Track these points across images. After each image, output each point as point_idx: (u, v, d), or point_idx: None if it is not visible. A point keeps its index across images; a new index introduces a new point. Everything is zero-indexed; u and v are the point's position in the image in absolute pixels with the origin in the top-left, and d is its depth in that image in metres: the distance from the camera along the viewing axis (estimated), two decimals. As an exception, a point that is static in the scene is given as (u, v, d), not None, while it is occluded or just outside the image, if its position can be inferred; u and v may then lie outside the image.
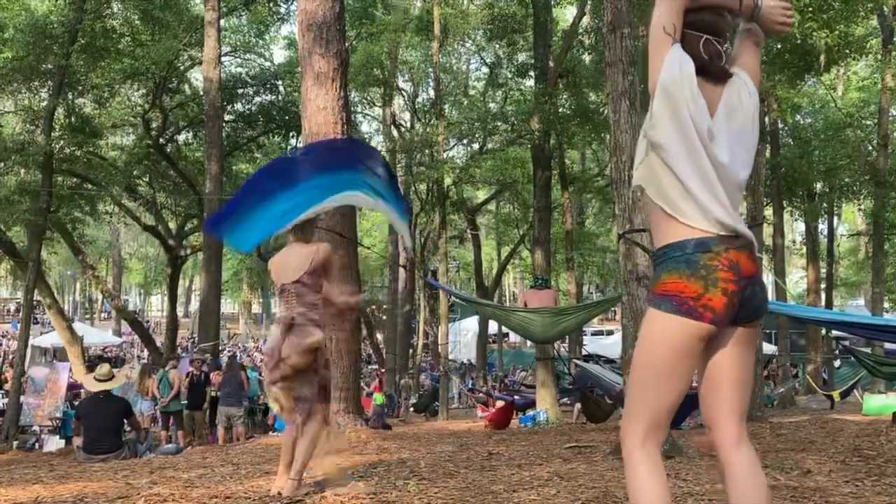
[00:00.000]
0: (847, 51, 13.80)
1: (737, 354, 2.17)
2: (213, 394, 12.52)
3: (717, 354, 2.17)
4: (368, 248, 25.60)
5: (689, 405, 11.24)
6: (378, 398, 14.97)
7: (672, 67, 2.13)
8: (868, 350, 15.85)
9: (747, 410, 2.23)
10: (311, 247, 4.45)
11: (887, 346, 16.42)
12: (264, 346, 4.37)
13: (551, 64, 15.91)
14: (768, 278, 25.11)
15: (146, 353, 24.83)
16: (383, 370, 23.24)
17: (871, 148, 19.72)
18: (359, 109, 26.21)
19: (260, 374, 14.41)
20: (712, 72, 2.18)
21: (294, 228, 4.50)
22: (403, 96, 26.95)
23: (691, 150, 2.12)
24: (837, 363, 22.74)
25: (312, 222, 4.66)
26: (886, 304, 23.08)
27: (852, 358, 15.87)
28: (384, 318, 28.45)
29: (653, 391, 2.15)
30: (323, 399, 4.45)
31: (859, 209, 28.86)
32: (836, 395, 17.72)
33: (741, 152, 2.18)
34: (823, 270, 24.26)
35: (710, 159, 2.13)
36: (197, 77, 23.07)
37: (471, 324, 33.99)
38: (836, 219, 27.61)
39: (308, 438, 4.32)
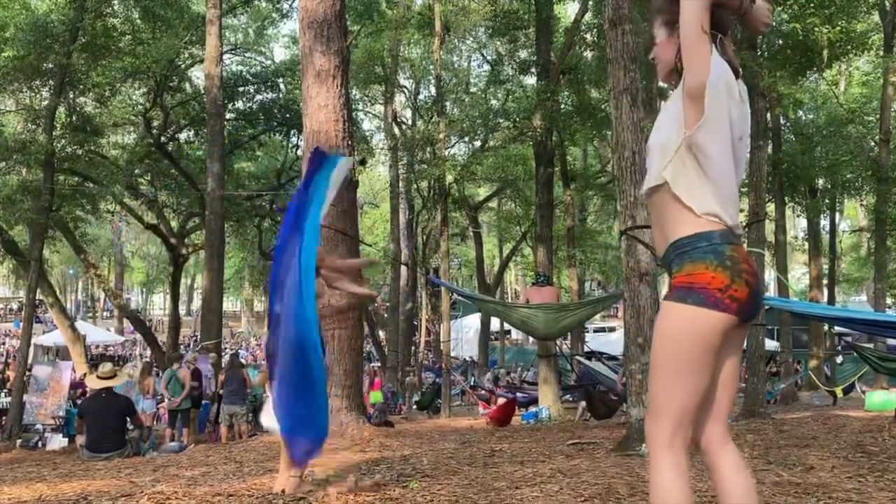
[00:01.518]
0: (849, 46, 13.75)
1: (727, 355, 2.15)
2: (218, 392, 12.55)
3: (722, 354, 2.16)
4: (370, 246, 25.59)
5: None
6: (375, 396, 14.96)
7: (718, 69, 2.11)
8: (870, 346, 15.85)
9: (729, 410, 2.23)
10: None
11: (890, 341, 16.44)
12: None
13: (553, 59, 15.88)
14: (770, 274, 25.13)
15: (148, 351, 24.87)
16: (375, 367, 23.26)
17: (873, 144, 19.69)
18: (360, 107, 26.20)
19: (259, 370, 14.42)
20: (732, 68, 2.19)
21: None
22: (405, 94, 26.94)
23: (726, 161, 2.14)
24: (840, 359, 22.75)
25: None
26: (889, 300, 23.04)
27: (855, 354, 15.87)
28: (386, 315, 28.44)
29: (679, 389, 2.09)
30: None
31: (861, 205, 28.82)
32: (838, 390, 17.73)
33: (740, 150, 2.20)
34: (825, 266, 24.23)
35: (736, 163, 2.17)
36: (198, 75, 23.09)
37: (473, 321, 34.01)
38: (838, 215, 27.57)
39: None
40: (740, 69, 2.22)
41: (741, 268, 2.06)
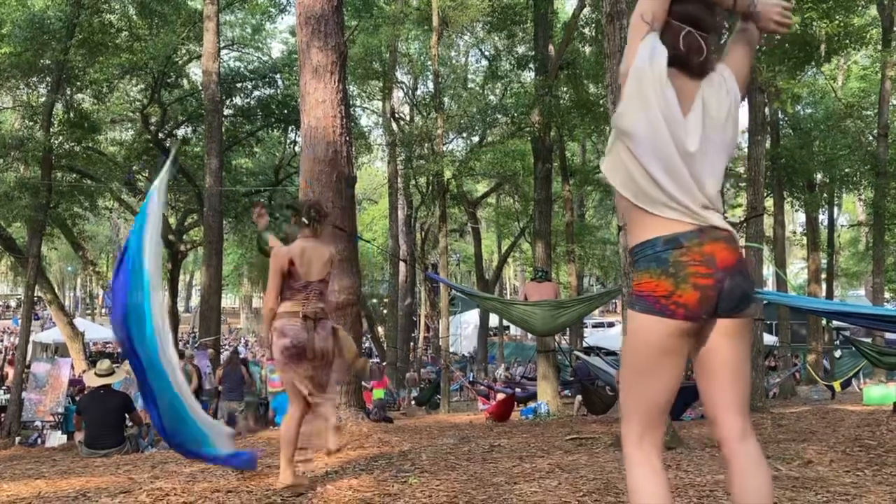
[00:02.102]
0: (847, 41, 13.75)
1: (727, 348, 2.14)
2: (217, 388, 12.54)
3: (707, 349, 2.15)
4: (369, 242, 25.59)
5: (690, 396, 11.26)
6: (378, 393, 14.98)
7: (643, 55, 2.11)
8: (869, 340, 15.86)
9: (748, 403, 2.19)
10: (326, 248, 4.59)
11: (888, 335, 16.45)
12: (286, 338, 4.38)
13: (552, 52, 15.85)
14: (769, 269, 25.14)
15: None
16: (384, 364, 23.27)
17: (871, 138, 19.68)
18: (358, 103, 26.17)
19: (261, 368, 14.43)
20: (689, 65, 2.15)
21: (313, 223, 4.56)
22: (403, 89, 26.91)
23: (658, 139, 2.09)
24: (838, 353, 22.77)
25: (328, 217, 4.81)
26: (887, 294, 23.10)
27: (853, 348, 15.89)
28: (385, 311, 28.45)
29: (641, 391, 2.14)
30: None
31: (860, 199, 28.82)
32: (836, 385, 17.75)
33: (716, 145, 2.14)
34: (824, 261, 24.25)
35: (678, 148, 2.09)
36: (195, 72, 23.04)
37: (472, 317, 34.04)
38: (836, 209, 27.58)
39: (322, 420, 4.59)
40: (710, 67, 2.17)
41: (688, 272, 2.04)
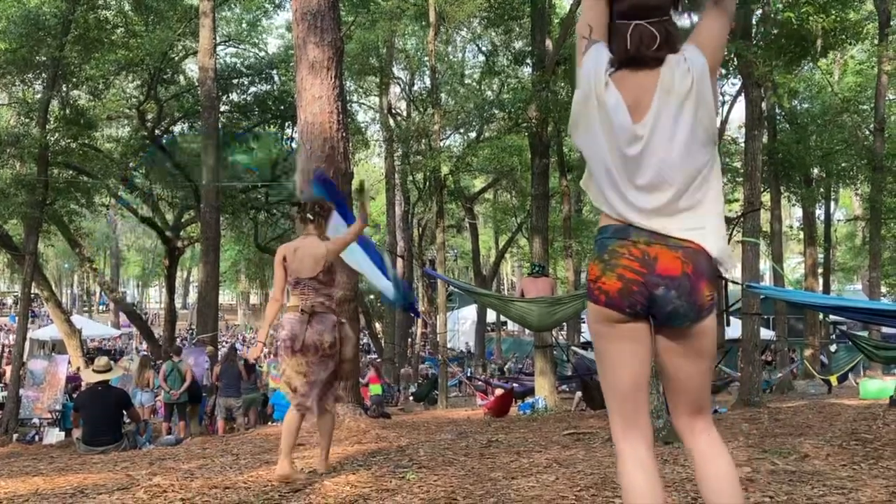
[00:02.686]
0: (843, 36, 13.74)
1: (670, 358, 2.15)
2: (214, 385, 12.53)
3: (658, 352, 2.17)
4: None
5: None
6: (374, 389, 14.98)
7: (583, 75, 2.12)
8: (865, 334, 15.90)
9: (702, 402, 2.19)
10: (322, 246, 4.64)
11: (884, 330, 16.47)
12: (283, 330, 4.57)
13: (549, 47, 15.82)
14: (766, 264, 25.14)
15: (145, 345, 24.85)
16: (379, 359, 23.26)
17: (867, 132, 19.71)
18: (355, 98, 26.14)
19: (258, 364, 14.42)
20: (644, 58, 2.08)
21: (314, 219, 4.72)
22: (399, 85, 26.88)
23: (599, 150, 2.11)
24: (833, 348, 22.83)
25: (329, 213, 4.89)
26: (883, 289, 23.10)
27: (849, 342, 15.92)
28: (382, 307, 28.46)
29: (605, 380, 2.18)
30: (336, 386, 4.77)
31: (856, 194, 28.88)
32: (833, 379, 17.79)
33: (678, 137, 2.05)
34: (821, 255, 24.28)
35: (621, 156, 2.08)
36: (192, 68, 22.99)
37: (469, 312, 34.05)
38: (833, 204, 27.63)
39: (329, 420, 4.73)
40: (662, 55, 2.07)
41: (618, 262, 2.06)
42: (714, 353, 2.20)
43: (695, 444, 2.19)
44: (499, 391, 14.15)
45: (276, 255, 4.69)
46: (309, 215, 4.70)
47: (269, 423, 11.50)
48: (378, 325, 30.71)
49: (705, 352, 2.15)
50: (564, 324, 17.86)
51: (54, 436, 12.55)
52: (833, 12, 12.31)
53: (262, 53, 23.67)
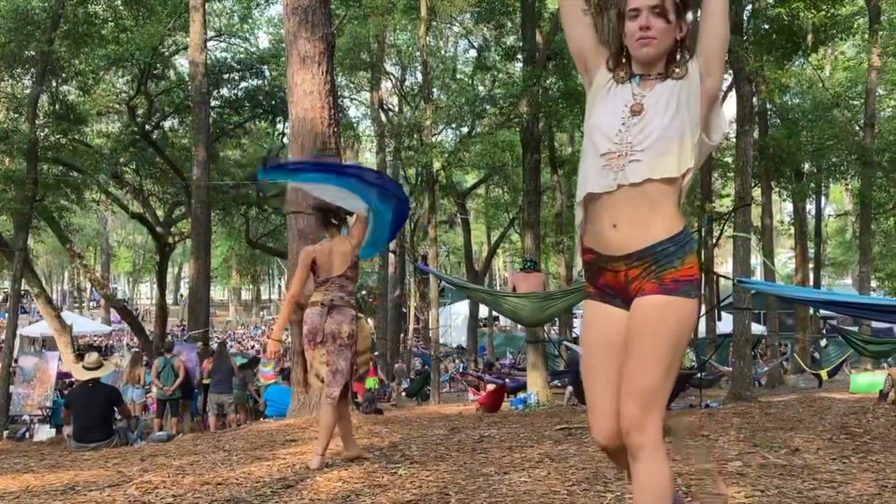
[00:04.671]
0: (834, 31, 13.80)
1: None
2: (205, 381, 12.50)
3: None
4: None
5: (678, 386, 11.32)
6: (370, 382, 14.99)
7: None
8: (855, 329, 15.99)
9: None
10: (348, 244, 4.91)
11: (874, 324, 16.58)
12: (306, 325, 4.84)
13: (539, 42, 15.82)
14: (757, 259, 25.36)
15: (136, 341, 24.75)
16: (375, 354, 23.25)
17: (858, 128, 19.79)
18: (346, 94, 26.06)
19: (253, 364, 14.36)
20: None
21: (335, 222, 5.00)
22: (391, 80, 26.81)
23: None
24: (823, 342, 22.96)
25: (334, 215, 5.02)
26: (873, 284, 23.25)
27: (840, 337, 16.01)
28: (374, 303, 28.46)
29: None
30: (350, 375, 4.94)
31: (847, 189, 29.02)
32: (823, 373, 17.88)
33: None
34: (811, 250, 24.39)
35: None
36: (182, 63, 22.87)
37: (461, 308, 34.04)
38: (823, 199, 27.74)
39: (345, 414, 4.92)
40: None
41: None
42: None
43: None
44: (490, 386, 14.18)
45: (303, 255, 4.87)
46: (334, 220, 4.98)
47: (262, 420, 11.48)
48: (371, 321, 30.71)
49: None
50: (556, 319, 17.91)
51: (45, 433, 12.50)
52: (824, 7, 12.36)
53: (253, 48, 23.59)
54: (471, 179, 31.06)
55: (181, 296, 48.49)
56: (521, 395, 13.37)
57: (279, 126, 21.97)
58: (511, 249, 35.39)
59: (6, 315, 20.74)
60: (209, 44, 18.94)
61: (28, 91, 17.27)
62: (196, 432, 10.38)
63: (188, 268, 22.64)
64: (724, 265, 35.09)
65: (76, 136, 18.64)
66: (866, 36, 17.49)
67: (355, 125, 27.69)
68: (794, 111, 21.46)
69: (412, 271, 28.44)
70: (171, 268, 41.78)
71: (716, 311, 15.08)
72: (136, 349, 19.65)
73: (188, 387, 12.22)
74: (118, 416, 8.51)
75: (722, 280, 15.25)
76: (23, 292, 21.12)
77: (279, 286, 59.15)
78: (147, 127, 19.99)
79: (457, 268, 44.09)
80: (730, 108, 13.54)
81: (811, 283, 22.77)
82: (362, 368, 5.04)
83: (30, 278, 17.97)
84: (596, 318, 2.24)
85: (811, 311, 21.32)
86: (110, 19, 17.89)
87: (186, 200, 19.52)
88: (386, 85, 26.64)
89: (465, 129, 22.47)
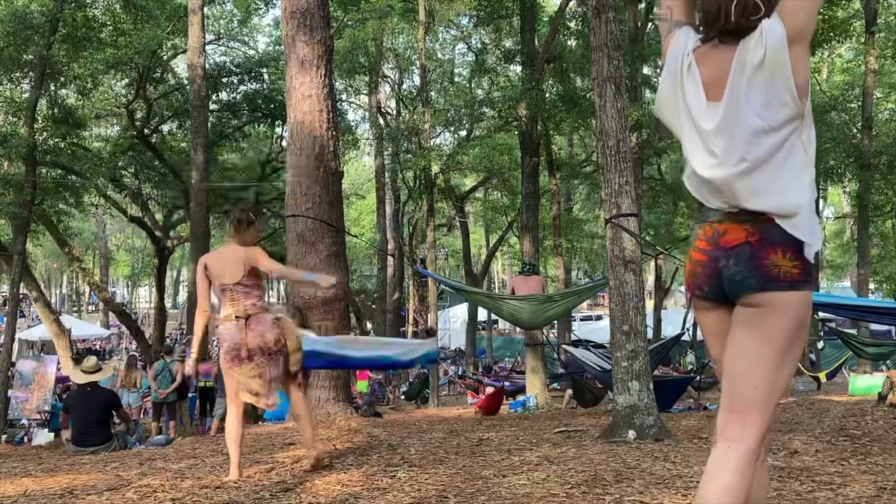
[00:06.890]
0: (831, 34, 13.84)
1: (731, 340, 2.00)
2: (204, 384, 12.47)
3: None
4: (356, 237, 25.55)
5: (678, 389, 11.32)
6: (361, 385, 14.98)
7: (668, 57, 2.11)
8: (853, 331, 15.99)
9: (742, 405, 1.96)
10: (242, 252, 4.61)
11: (872, 326, 16.59)
12: (224, 342, 4.58)
13: (538, 46, 15.85)
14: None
15: (134, 344, 24.73)
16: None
17: (855, 131, 19.82)
18: (344, 97, 26.08)
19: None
20: (720, 33, 2.00)
21: (235, 227, 4.69)
22: (389, 83, 26.83)
23: (682, 132, 2.09)
24: (821, 344, 22.96)
25: (250, 223, 4.74)
26: (871, 286, 23.26)
27: (838, 339, 16.01)
28: (373, 306, 28.44)
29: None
30: (293, 376, 4.78)
31: (844, 192, 29.04)
32: (822, 376, 17.87)
33: (746, 111, 1.96)
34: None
35: (700, 135, 2.03)
36: (181, 66, 22.88)
37: (460, 311, 34.04)
38: (821, 201, 27.78)
39: (302, 410, 4.79)
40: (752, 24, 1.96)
41: (693, 246, 2.10)
42: (786, 341, 1.94)
43: (714, 450, 1.98)
44: (489, 389, 14.18)
45: (196, 266, 4.75)
46: (237, 220, 4.68)
47: (260, 423, 11.46)
48: (369, 325, 30.69)
49: (766, 332, 1.94)
50: (555, 322, 17.90)
51: (43, 437, 12.47)
52: (820, 11, 12.39)
53: (252, 52, 23.61)
54: (469, 182, 31.06)
55: (180, 302, 48.42)
56: (520, 398, 13.37)
57: (278, 129, 21.98)
58: (510, 253, 35.38)
59: (5, 319, 20.71)
60: (208, 47, 18.97)
61: (27, 95, 17.26)
62: (194, 436, 10.37)
63: (187, 271, 22.64)
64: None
65: (75, 140, 18.62)
66: (863, 39, 17.52)
67: (354, 129, 27.69)
68: (792, 114, 21.44)
69: (411, 274, 28.44)
70: (170, 271, 41.79)
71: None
72: (133, 353, 19.62)
73: (184, 389, 12.22)
74: (117, 421, 8.49)
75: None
76: (21, 296, 21.09)
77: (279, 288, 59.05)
78: (146, 131, 19.99)
79: (455, 271, 44.10)
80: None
81: (810, 285, 22.74)
82: (295, 367, 4.77)
83: (28, 282, 17.95)
84: None
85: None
86: (109, 23, 17.89)
87: (185, 204, 19.52)
88: (384, 88, 26.67)
89: (463, 133, 22.52)
